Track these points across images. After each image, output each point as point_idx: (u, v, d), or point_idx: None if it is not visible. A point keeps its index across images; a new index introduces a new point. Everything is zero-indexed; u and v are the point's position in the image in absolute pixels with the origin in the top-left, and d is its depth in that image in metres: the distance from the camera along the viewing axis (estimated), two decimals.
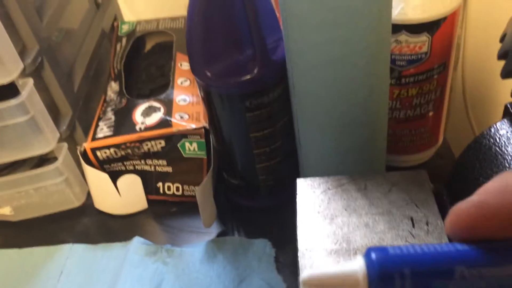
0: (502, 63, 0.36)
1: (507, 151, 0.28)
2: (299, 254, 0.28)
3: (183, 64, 0.54)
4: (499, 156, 0.28)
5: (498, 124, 0.30)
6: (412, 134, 0.46)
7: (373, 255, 0.16)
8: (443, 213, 0.29)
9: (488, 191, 0.15)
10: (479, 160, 0.29)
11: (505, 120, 0.30)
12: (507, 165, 0.27)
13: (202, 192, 0.42)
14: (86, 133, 0.51)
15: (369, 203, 0.30)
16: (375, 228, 0.29)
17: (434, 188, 0.31)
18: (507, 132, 0.29)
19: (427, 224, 0.29)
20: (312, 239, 0.29)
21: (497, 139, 0.29)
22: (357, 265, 0.16)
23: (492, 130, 0.30)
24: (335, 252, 0.28)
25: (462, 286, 0.15)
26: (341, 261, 0.27)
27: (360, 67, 0.33)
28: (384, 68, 0.35)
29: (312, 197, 0.32)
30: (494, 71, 0.61)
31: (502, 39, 0.24)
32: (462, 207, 0.16)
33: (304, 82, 0.36)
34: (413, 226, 0.29)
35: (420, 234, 0.28)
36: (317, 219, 0.30)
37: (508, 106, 0.30)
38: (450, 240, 0.17)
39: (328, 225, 0.30)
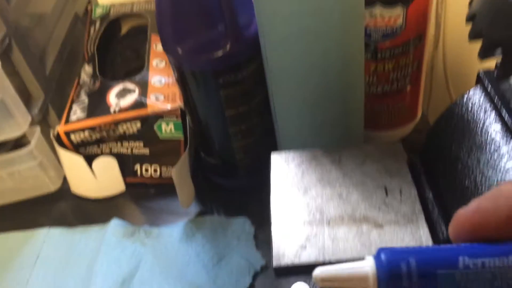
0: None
1: (479, 117, 0.28)
2: (272, 226, 0.28)
3: (158, 46, 0.53)
4: (471, 123, 0.28)
5: (471, 92, 0.30)
6: (390, 109, 0.45)
7: (382, 254, 0.17)
8: (417, 182, 0.29)
9: (484, 197, 0.16)
10: (451, 128, 0.29)
11: (478, 87, 0.29)
12: (478, 131, 0.27)
13: (178, 173, 0.42)
14: (60, 117, 0.50)
15: (343, 175, 0.30)
16: (349, 198, 0.29)
17: (408, 159, 0.31)
18: (479, 99, 0.29)
19: (400, 193, 0.29)
20: (286, 210, 0.29)
21: (469, 107, 0.29)
22: (367, 263, 0.17)
23: (465, 98, 0.30)
24: (308, 223, 0.28)
25: (468, 277, 0.16)
26: (314, 230, 0.27)
27: (333, 38, 0.33)
28: (358, 39, 0.35)
29: (286, 170, 0.31)
30: (474, 48, 0.61)
31: (470, 3, 0.24)
32: (462, 213, 0.17)
33: (277, 56, 0.35)
34: (387, 195, 0.29)
35: (393, 203, 0.28)
36: (291, 191, 0.30)
37: (480, 73, 0.30)
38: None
39: (302, 197, 0.29)
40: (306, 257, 0.26)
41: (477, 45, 0.28)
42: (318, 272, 0.17)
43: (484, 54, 0.21)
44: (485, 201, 0.16)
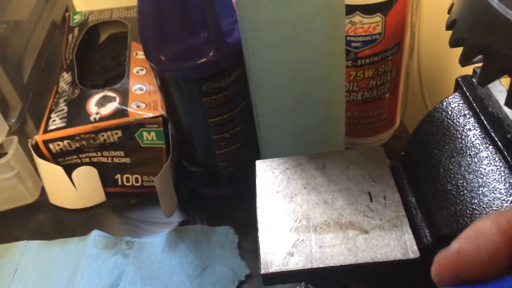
0: (456, 49, 0.36)
1: (459, 122, 0.28)
2: (259, 233, 0.28)
3: (138, 53, 0.53)
4: (451, 128, 0.28)
5: (450, 98, 0.30)
6: (369, 116, 0.46)
7: None
8: (400, 186, 0.30)
9: (465, 238, 0.16)
10: (432, 134, 0.29)
11: (456, 93, 0.30)
12: (459, 136, 0.28)
13: (161, 182, 0.41)
14: (38, 127, 0.49)
15: (328, 181, 0.30)
16: (334, 204, 0.29)
17: (390, 164, 0.31)
18: (458, 104, 0.29)
19: (384, 198, 0.29)
20: (272, 217, 0.29)
21: (449, 112, 0.29)
22: None
23: (444, 103, 0.30)
24: (295, 229, 0.28)
25: None
26: (300, 237, 0.27)
27: (315, 46, 0.33)
28: (339, 47, 0.35)
29: (271, 177, 0.31)
30: (448, 57, 0.63)
31: (449, 10, 0.25)
32: (443, 256, 0.17)
33: (259, 63, 0.35)
34: (371, 200, 0.29)
35: (378, 208, 0.28)
36: (277, 198, 0.30)
37: (459, 80, 0.30)
38: None
39: (288, 204, 0.29)
40: (294, 264, 0.26)
41: (452, 54, 0.28)
42: None
43: (465, 60, 0.22)
44: (465, 243, 0.16)
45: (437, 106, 0.30)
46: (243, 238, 0.43)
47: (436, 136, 0.29)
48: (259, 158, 0.45)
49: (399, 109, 0.48)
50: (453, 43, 0.23)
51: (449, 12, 0.25)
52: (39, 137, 0.44)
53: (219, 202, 0.46)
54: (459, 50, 0.24)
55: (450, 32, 0.24)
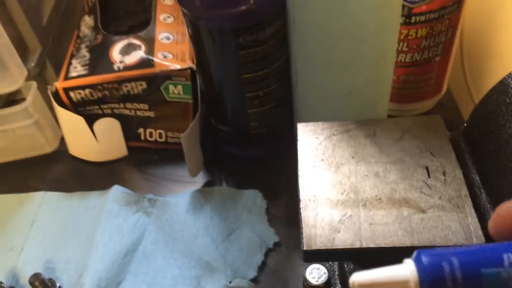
0: (500, 13, 0.31)
1: None
2: (301, 205, 0.25)
3: None
4: None
5: None
6: (416, 81, 0.42)
7: (422, 256, 0.16)
8: (461, 162, 0.27)
9: None
10: (505, 104, 0.26)
11: None
12: None
13: (188, 139, 0.39)
14: (57, 73, 0.46)
15: (379, 151, 0.27)
16: (386, 177, 0.26)
17: (450, 135, 0.28)
18: None
19: (444, 174, 0.26)
20: (315, 188, 0.26)
21: None
22: (407, 266, 0.16)
23: None
24: (341, 203, 0.25)
25: None
26: (348, 212, 0.24)
27: None
28: (397, 0, 0.31)
29: (315, 143, 0.28)
30: (491, 21, 0.58)
31: None
32: (505, 207, 0.16)
33: (305, 14, 0.31)
34: (429, 175, 0.26)
35: (437, 184, 0.25)
36: (321, 167, 0.27)
37: None
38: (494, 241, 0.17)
39: (334, 174, 0.26)
40: (340, 241, 0.23)
41: (496, 15, 0.24)
42: (356, 277, 0.17)
43: None
44: None
45: None
46: (272, 204, 0.40)
47: (510, 107, 0.25)
48: (293, 120, 0.42)
49: (448, 76, 0.44)
50: None
51: None
52: (59, 84, 0.41)
53: (248, 164, 0.43)
54: (506, 14, 0.20)
55: None
